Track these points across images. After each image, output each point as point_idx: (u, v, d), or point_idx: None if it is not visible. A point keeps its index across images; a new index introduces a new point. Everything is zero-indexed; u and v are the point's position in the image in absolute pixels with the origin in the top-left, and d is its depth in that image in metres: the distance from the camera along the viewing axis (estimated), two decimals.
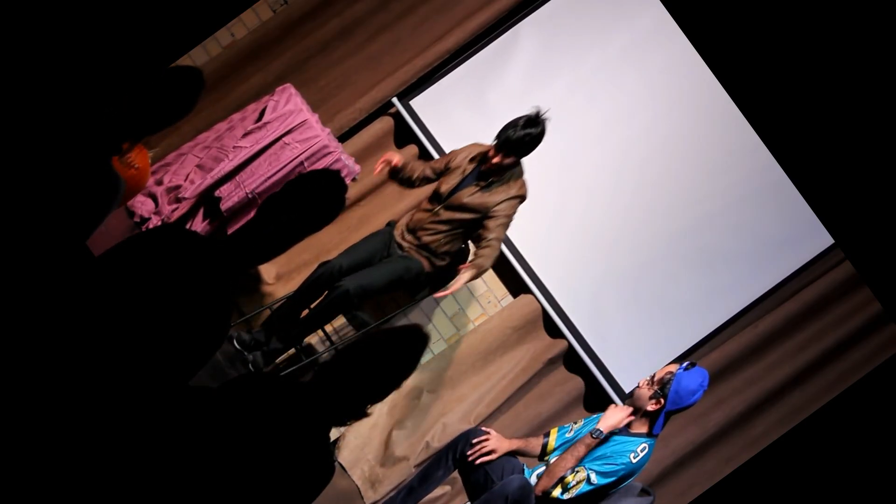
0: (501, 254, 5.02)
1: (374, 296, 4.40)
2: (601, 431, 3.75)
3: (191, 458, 2.22)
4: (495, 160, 4.19)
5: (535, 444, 4.02)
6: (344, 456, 4.64)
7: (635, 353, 4.86)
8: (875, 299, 4.43)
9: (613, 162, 4.90)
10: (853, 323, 5.03)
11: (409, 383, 4.70)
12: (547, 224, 5.01)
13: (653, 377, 3.81)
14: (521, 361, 4.95)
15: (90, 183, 2.53)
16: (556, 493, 3.71)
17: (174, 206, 4.47)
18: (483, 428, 4.07)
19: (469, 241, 4.51)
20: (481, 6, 5.12)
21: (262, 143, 4.41)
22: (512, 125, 4.16)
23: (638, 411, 3.80)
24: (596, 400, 4.93)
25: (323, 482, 2.36)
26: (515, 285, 5.09)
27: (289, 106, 4.49)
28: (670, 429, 4.79)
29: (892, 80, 2.69)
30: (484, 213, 4.26)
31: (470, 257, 4.39)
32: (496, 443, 3.96)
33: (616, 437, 3.79)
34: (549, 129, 4.18)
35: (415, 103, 5.11)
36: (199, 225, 4.48)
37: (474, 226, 4.34)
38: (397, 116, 5.13)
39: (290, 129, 4.43)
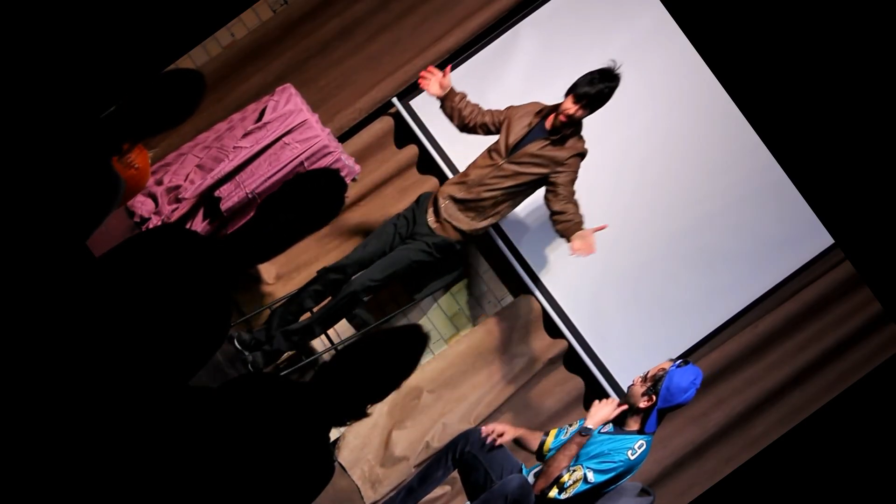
0: (501, 254, 5.03)
1: (389, 284, 4.45)
2: (589, 429, 3.76)
3: (191, 458, 2.22)
4: (574, 113, 4.18)
5: (535, 438, 4.04)
6: (344, 456, 4.64)
7: (635, 353, 4.86)
8: (875, 299, 4.43)
9: (613, 162, 4.89)
10: (853, 323, 5.03)
11: (409, 383, 4.70)
12: (547, 224, 5.00)
13: (646, 374, 3.82)
14: (521, 361, 4.95)
15: (90, 183, 2.53)
16: (553, 493, 3.71)
17: (174, 206, 4.47)
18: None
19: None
20: (481, 6, 5.11)
21: (262, 143, 4.41)
22: (587, 80, 4.16)
23: (631, 408, 3.81)
24: (596, 400, 4.92)
25: (323, 482, 2.36)
26: (515, 285, 5.09)
27: (289, 106, 4.49)
28: (670, 429, 4.80)
29: (892, 80, 2.69)
30: (551, 168, 4.26)
31: (561, 221, 4.28)
32: (504, 426, 4.00)
33: (612, 436, 3.79)
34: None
35: (415, 103, 5.11)
36: (199, 225, 4.48)
37: (534, 184, 4.35)
38: (397, 116, 5.12)
39: (290, 129, 4.43)
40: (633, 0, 5.09)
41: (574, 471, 3.71)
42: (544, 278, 5.01)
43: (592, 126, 4.34)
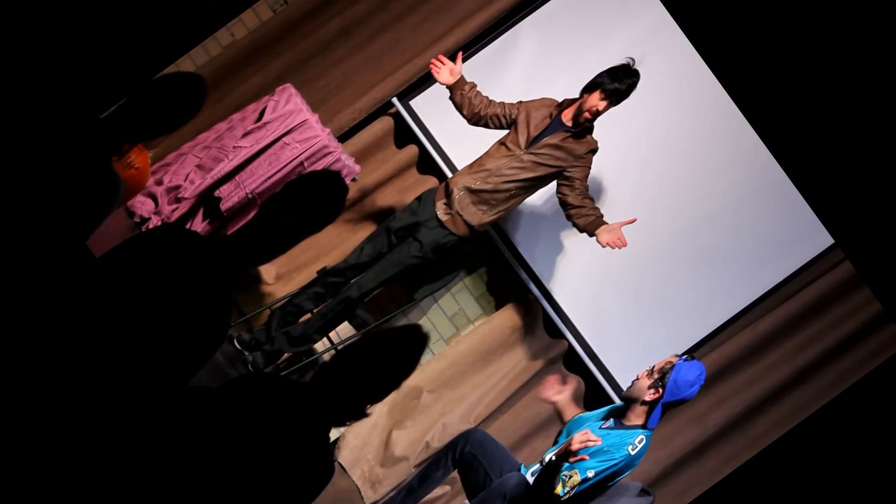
0: (501, 254, 5.03)
1: (388, 285, 4.48)
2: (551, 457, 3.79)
3: (191, 459, 2.22)
4: (599, 107, 4.21)
5: (571, 412, 4.12)
6: (344, 456, 4.64)
7: (635, 353, 4.85)
8: (875, 299, 4.43)
9: (613, 162, 4.89)
10: (853, 323, 5.03)
11: (409, 383, 4.70)
12: (547, 224, 5.00)
13: (652, 368, 3.81)
14: (521, 361, 4.96)
15: (90, 183, 2.53)
16: (559, 490, 3.70)
17: (174, 206, 4.47)
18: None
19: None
20: (481, 6, 5.11)
21: (262, 143, 4.41)
22: (612, 76, 4.21)
23: (635, 402, 3.80)
24: (596, 400, 4.93)
25: (323, 482, 2.36)
26: (515, 285, 5.09)
27: (289, 106, 4.49)
28: (670, 429, 4.81)
29: (892, 80, 2.69)
30: (569, 162, 4.28)
31: (581, 215, 4.30)
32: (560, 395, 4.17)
33: (613, 431, 3.78)
34: None
35: (415, 103, 5.11)
36: (199, 225, 4.48)
37: (547, 178, 4.36)
38: (397, 116, 5.12)
39: (290, 129, 4.43)
40: (632, 0, 5.09)
41: (574, 468, 3.70)
42: (544, 278, 5.01)
43: None
